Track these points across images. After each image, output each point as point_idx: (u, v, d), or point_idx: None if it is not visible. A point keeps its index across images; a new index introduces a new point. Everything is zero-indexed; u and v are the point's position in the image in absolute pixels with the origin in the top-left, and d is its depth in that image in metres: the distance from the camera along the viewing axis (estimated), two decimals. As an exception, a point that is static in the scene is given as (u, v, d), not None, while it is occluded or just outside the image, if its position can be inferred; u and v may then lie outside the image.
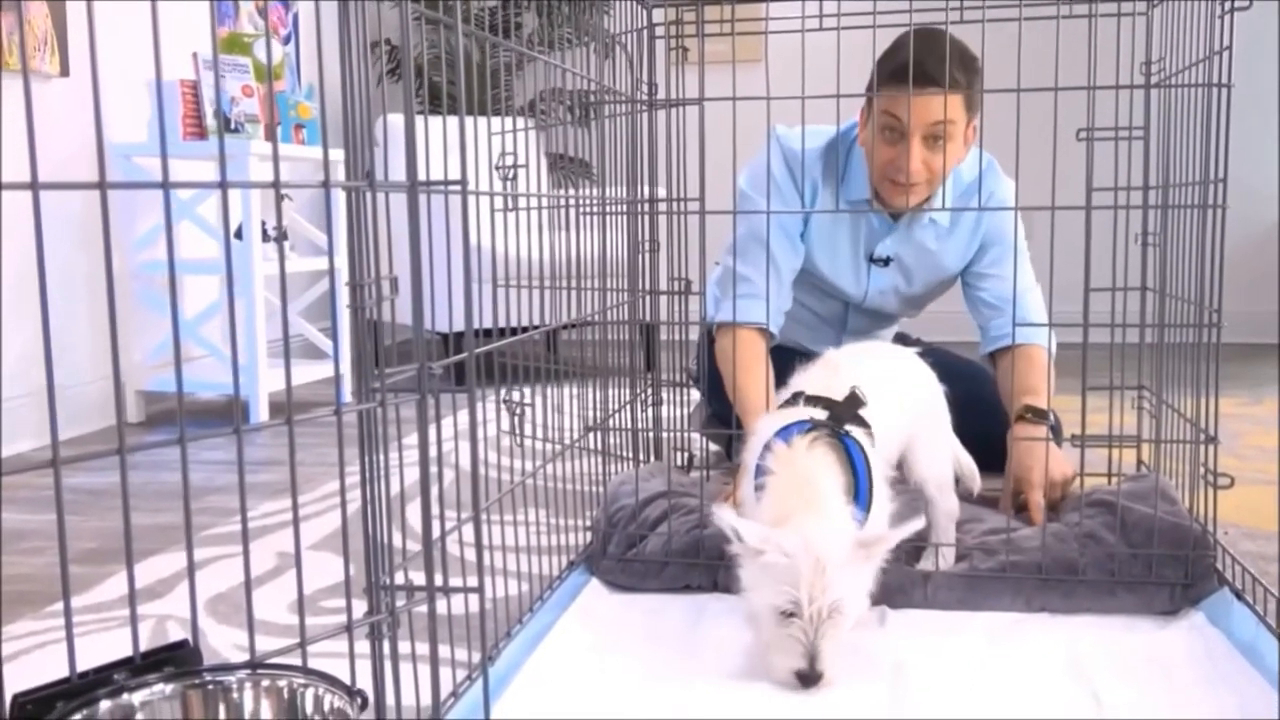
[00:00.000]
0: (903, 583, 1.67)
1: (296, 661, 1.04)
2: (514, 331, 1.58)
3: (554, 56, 1.85)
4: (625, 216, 2.13)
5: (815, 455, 1.48)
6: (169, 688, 1.00)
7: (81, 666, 0.95)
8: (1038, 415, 2.03)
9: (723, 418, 2.17)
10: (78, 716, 0.93)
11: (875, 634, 1.57)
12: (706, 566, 1.74)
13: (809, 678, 1.37)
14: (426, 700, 1.17)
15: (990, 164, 2.26)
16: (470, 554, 1.64)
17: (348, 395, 3.47)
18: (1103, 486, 1.88)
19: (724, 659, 1.50)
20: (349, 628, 1.07)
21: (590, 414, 2.06)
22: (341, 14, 1.04)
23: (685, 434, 2.26)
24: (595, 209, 2.04)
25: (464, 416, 2.91)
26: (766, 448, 1.51)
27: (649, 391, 2.27)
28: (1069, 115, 1.60)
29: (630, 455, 2.19)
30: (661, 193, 2.09)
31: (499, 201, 1.74)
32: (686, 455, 2.24)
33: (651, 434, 2.28)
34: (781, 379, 1.79)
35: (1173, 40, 1.77)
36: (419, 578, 1.11)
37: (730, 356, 2.08)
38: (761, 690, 1.40)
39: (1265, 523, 2.11)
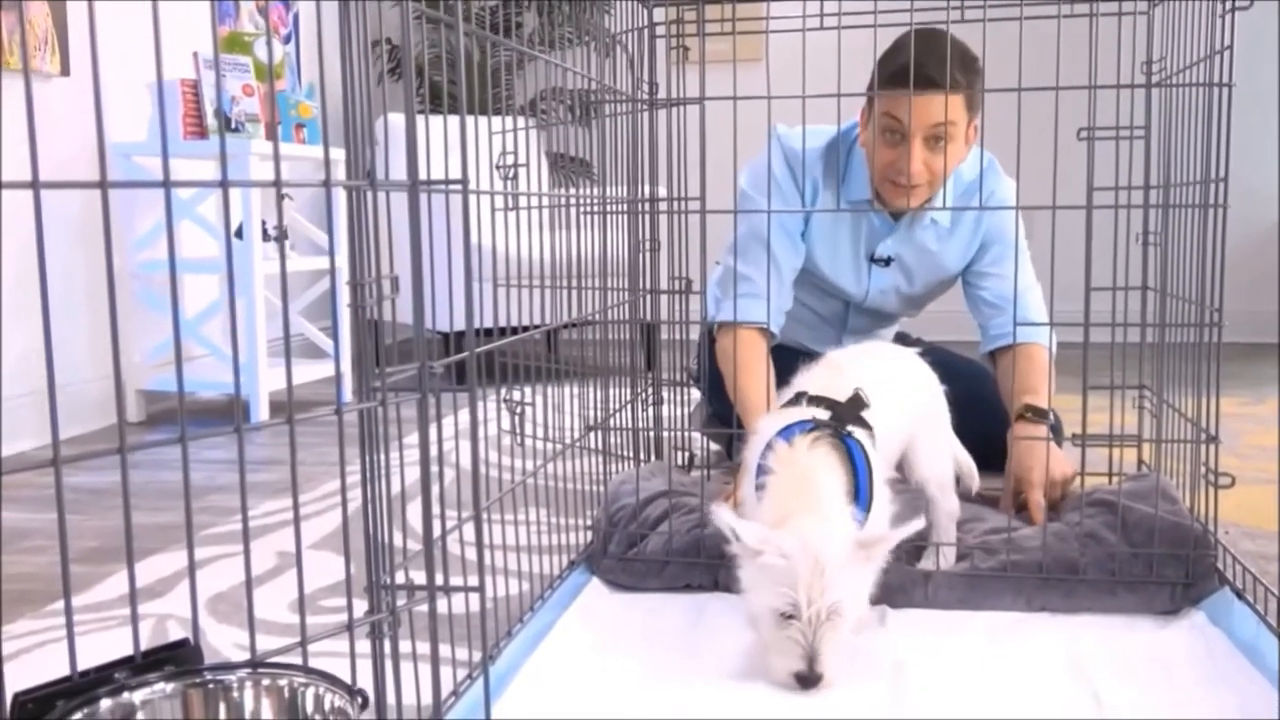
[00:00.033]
0: (903, 582, 1.67)
1: (297, 660, 1.04)
2: (514, 331, 1.58)
3: (554, 56, 1.85)
4: (626, 216, 2.13)
5: (816, 455, 1.48)
6: (170, 686, 1.00)
7: (82, 665, 0.95)
8: (1038, 414, 2.03)
9: (723, 417, 2.17)
10: (78, 715, 0.93)
11: (876, 633, 1.57)
12: (707, 566, 1.74)
13: (808, 679, 1.37)
14: (427, 699, 1.17)
15: (991, 163, 2.26)
16: (471, 553, 1.64)
17: (348, 394, 3.47)
18: (1103, 486, 1.88)
19: (724, 659, 1.50)
20: (349, 627, 1.08)
21: (591, 413, 2.06)
22: (342, 13, 1.04)
23: (686, 433, 2.26)
24: (596, 208, 2.04)
25: (465, 416, 2.91)
26: (768, 447, 1.51)
27: (649, 391, 2.26)
28: (1070, 115, 1.60)
29: (631, 455, 2.19)
30: (662, 192, 2.09)
31: (500, 201, 1.74)
32: (687, 455, 2.24)
33: (652, 433, 2.28)
34: (782, 378, 1.79)
35: (1173, 40, 1.77)
36: (419, 577, 1.11)
37: (731, 356, 2.08)
38: (762, 690, 1.40)
39: (1266, 522, 2.11)
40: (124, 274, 3.36)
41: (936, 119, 1.98)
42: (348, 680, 1.04)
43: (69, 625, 0.92)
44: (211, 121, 3.33)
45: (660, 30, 2.09)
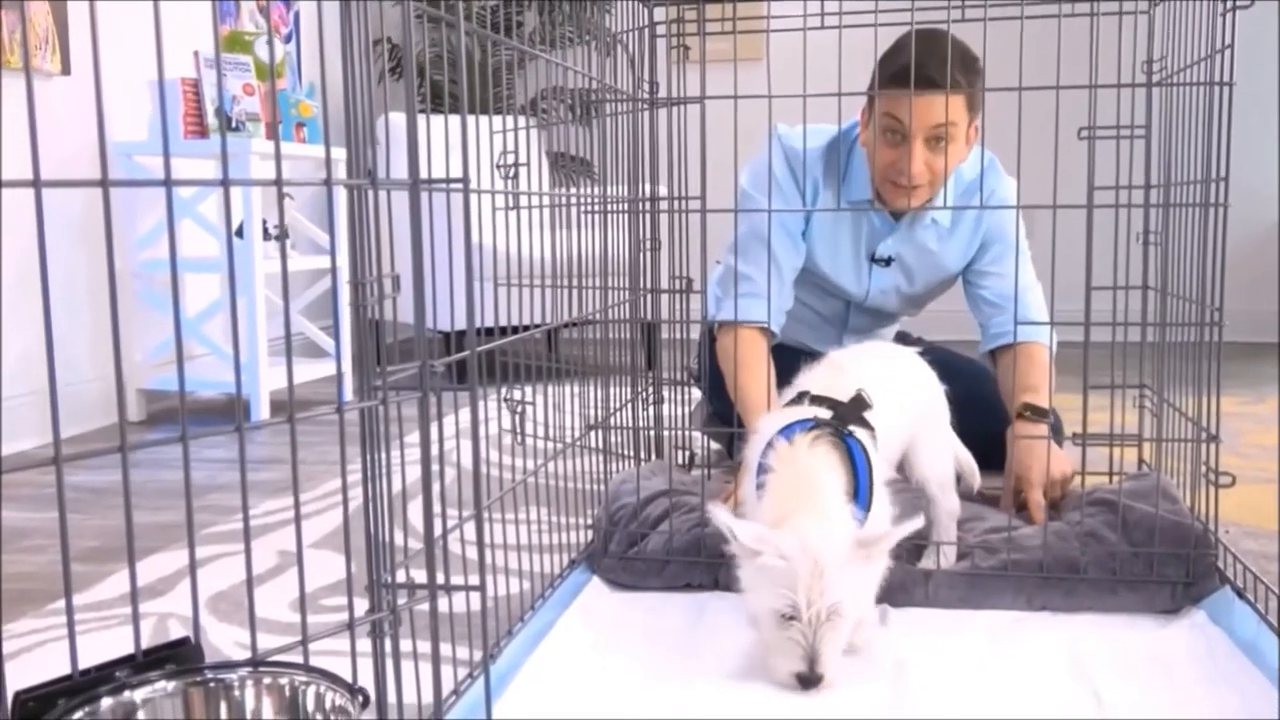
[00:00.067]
0: (904, 581, 1.67)
1: (298, 659, 1.04)
2: (515, 330, 1.58)
3: (555, 55, 1.85)
4: (626, 215, 2.13)
5: (816, 454, 1.48)
6: (171, 685, 1.00)
7: (83, 664, 0.95)
8: (1037, 413, 2.03)
9: (724, 416, 2.17)
10: (79, 714, 0.94)
11: (876, 632, 1.57)
12: (708, 565, 1.74)
13: (809, 680, 1.37)
14: (428, 698, 1.17)
15: (991, 162, 2.26)
16: (471, 552, 1.64)
17: (349, 393, 3.47)
18: (1104, 485, 1.88)
19: (725, 658, 1.50)
20: (350, 626, 1.08)
21: (591, 412, 2.06)
22: (343, 13, 1.04)
23: (686, 432, 2.26)
24: (596, 207, 2.04)
25: (465, 414, 2.92)
26: (769, 446, 1.51)
27: (650, 390, 2.26)
28: (1070, 114, 1.60)
29: (631, 454, 2.19)
30: (663, 191, 2.09)
31: (500, 200, 1.74)
32: (688, 454, 2.24)
33: (653, 432, 2.28)
34: (783, 378, 1.79)
35: (1174, 39, 1.77)
36: (420, 576, 1.11)
37: (732, 355, 2.08)
38: (762, 690, 1.40)
39: (1266, 521, 2.11)
40: (125, 273, 3.36)
41: (937, 119, 1.98)
42: (349, 679, 1.04)
43: (70, 624, 0.92)
44: (212, 120, 3.33)
45: (661, 29, 2.08)
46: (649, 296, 2.19)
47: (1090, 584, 1.66)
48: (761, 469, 1.51)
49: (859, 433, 1.55)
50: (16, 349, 2.95)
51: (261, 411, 3.32)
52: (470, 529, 1.19)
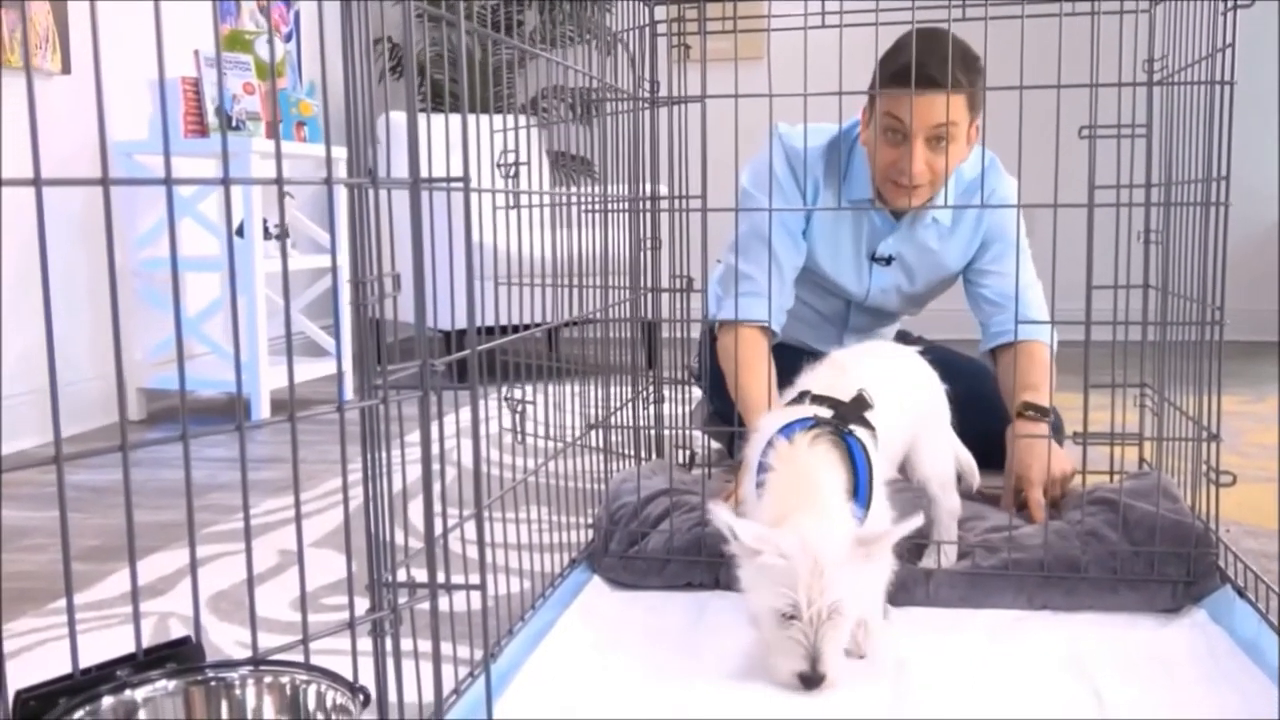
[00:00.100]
0: (905, 580, 1.67)
1: (299, 658, 1.05)
2: (515, 329, 1.58)
3: (556, 54, 1.85)
4: (627, 214, 2.13)
5: (816, 452, 1.48)
6: (172, 684, 1.00)
7: (84, 663, 0.95)
8: (1038, 412, 2.03)
9: (724, 415, 2.17)
10: (80, 713, 0.94)
11: (883, 634, 1.57)
12: (708, 564, 1.74)
13: (811, 680, 1.36)
14: (429, 697, 1.17)
15: (992, 161, 2.26)
16: (472, 551, 1.64)
17: (349, 392, 3.47)
18: (1105, 484, 1.88)
19: (725, 657, 1.50)
20: (351, 625, 1.08)
21: (592, 411, 2.05)
22: (344, 12, 1.04)
23: (687, 431, 2.26)
24: (597, 206, 2.04)
25: (466, 414, 2.91)
26: (769, 445, 1.51)
27: (650, 389, 2.26)
28: (1071, 113, 1.60)
29: (632, 453, 2.19)
30: (663, 190, 2.09)
31: (501, 199, 1.74)
32: (688, 453, 2.24)
33: (653, 431, 2.28)
34: (784, 377, 1.79)
35: (1175, 38, 1.76)
36: (421, 575, 1.11)
37: (732, 354, 2.08)
38: (763, 689, 1.40)
39: (1267, 520, 2.11)
40: (125, 272, 3.36)
41: (938, 119, 1.98)
42: (349, 678, 1.04)
43: (71, 623, 0.92)
44: (212, 120, 3.33)
45: (661, 28, 2.08)
46: (649, 295, 2.19)
47: (1091, 583, 1.66)
48: (762, 468, 1.51)
49: (859, 432, 1.55)
50: (17, 348, 2.95)
51: (262, 410, 3.32)
52: (471, 528, 1.19)
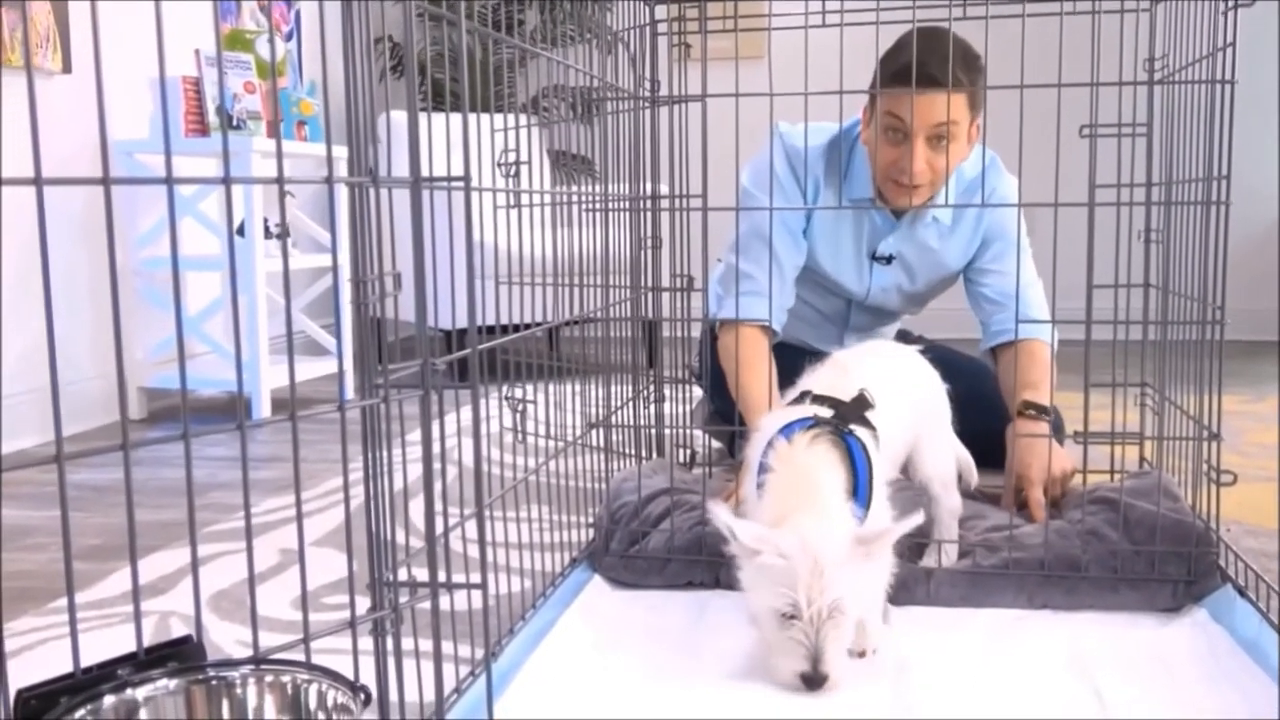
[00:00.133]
0: (906, 579, 1.67)
1: (300, 657, 1.05)
2: (516, 328, 1.58)
3: (556, 53, 1.85)
4: (628, 213, 2.13)
5: (816, 452, 1.48)
6: (173, 683, 1.00)
7: (85, 662, 0.95)
8: (1038, 411, 2.03)
9: (725, 414, 2.18)
10: (82, 712, 0.94)
11: (884, 634, 1.57)
12: (709, 563, 1.74)
13: (813, 680, 1.36)
14: (430, 696, 1.17)
15: (993, 160, 2.26)
16: (473, 550, 1.64)
17: (350, 391, 3.47)
18: (1105, 483, 1.88)
19: (726, 657, 1.50)
20: (352, 624, 1.08)
21: (592, 411, 2.06)
22: (345, 11, 1.04)
23: (688, 431, 2.26)
24: (598, 206, 2.04)
25: (467, 413, 2.91)
26: (770, 445, 1.51)
27: (651, 388, 2.27)
28: (1072, 112, 1.60)
29: (633, 452, 2.19)
30: (664, 189, 2.09)
31: (502, 198, 1.74)
32: (689, 452, 2.24)
33: (654, 431, 2.28)
34: (784, 376, 1.79)
35: (1175, 37, 1.76)
36: (422, 574, 1.11)
37: (733, 353, 2.08)
38: (764, 688, 1.40)
39: (1268, 520, 2.11)
40: (125, 271, 3.36)
41: (939, 118, 1.98)
42: (350, 677, 1.04)
43: (72, 622, 0.92)
44: (213, 119, 3.33)
45: (662, 27, 2.08)
46: (650, 295, 2.19)
47: (1091, 582, 1.66)
48: (762, 468, 1.51)
49: (860, 432, 1.55)
50: (17, 348, 2.95)
51: (262, 410, 3.32)
52: (471, 527, 1.19)
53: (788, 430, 1.52)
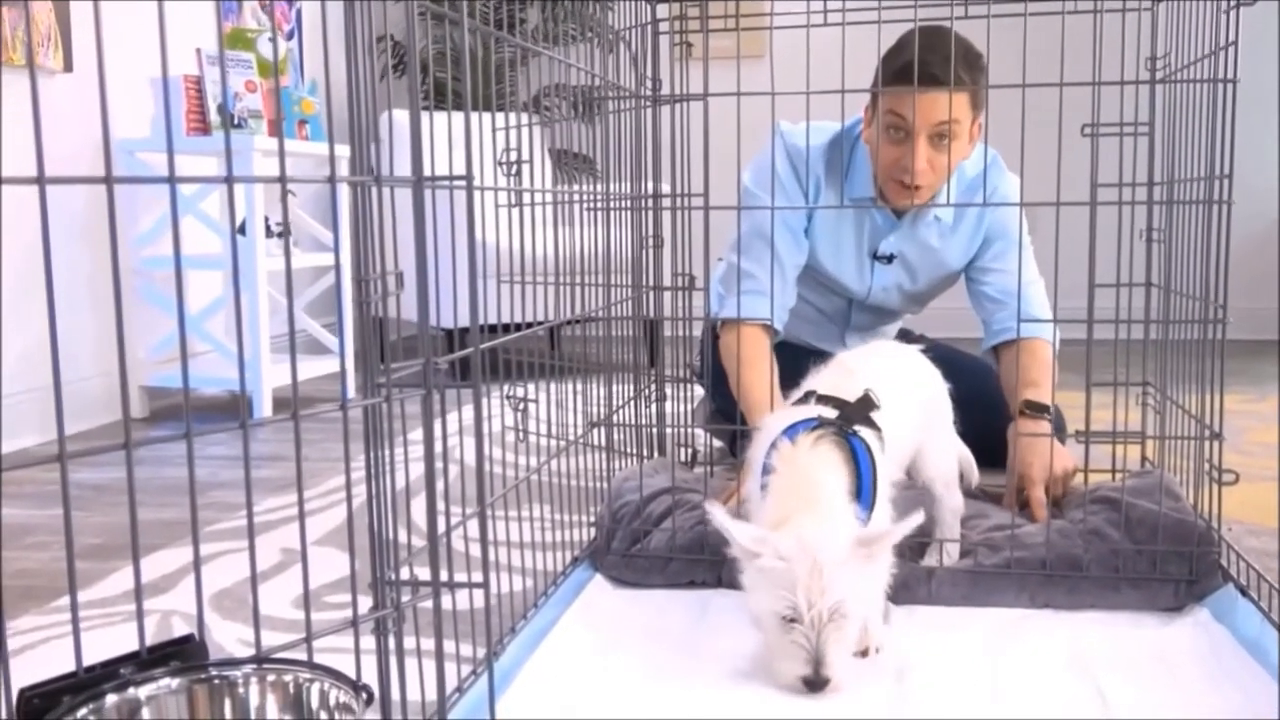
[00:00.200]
0: (907, 579, 1.67)
1: (302, 656, 1.05)
2: (518, 327, 1.58)
3: (558, 52, 1.85)
4: (629, 212, 2.13)
5: (819, 453, 1.48)
6: (175, 682, 1.00)
7: (87, 661, 0.95)
8: (1039, 410, 2.02)
9: (726, 413, 2.18)
10: (84, 711, 0.94)
11: (886, 634, 1.56)
12: (710, 562, 1.74)
13: (815, 683, 1.36)
14: (432, 696, 1.17)
15: (994, 159, 2.26)
16: (475, 549, 1.64)
17: (352, 390, 3.47)
18: (1107, 483, 1.88)
19: (728, 657, 1.49)
20: (354, 623, 1.08)
21: (594, 410, 2.06)
22: (347, 10, 1.04)
23: (689, 430, 2.26)
24: (599, 204, 2.04)
25: (468, 412, 2.91)
26: (773, 445, 1.51)
27: (653, 387, 2.27)
28: (1074, 111, 1.60)
29: (634, 451, 2.19)
30: (665, 188, 2.09)
31: (503, 197, 1.74)
32: (690, 451, 2.24)
33: (655, 430, 2.28)
34: (785, 375, 1.79)
35: (1177, 36, 1.76)
36: (424, 573, 1.11)
37: (734, 353, 2.08)
38: (765, 688, 1.40)
39: (1270, 519, 2.11)
40: (127, 270, 3.36)
41: (941, 117, 1.98)
42: (353, 676, 1.04)
43: (74, 621, 0.92)
44: (214, 118, 3.33)
45: (663, 26, 2.08)
46: (651, 294, 2.19)
47: (1093, 582, 1.66)
48: (766, 469, 1.50)
49: (865, 433, 1.55)
50: (18, 347, 2.95)
51: (264, 409, 3.32)
52: (473, 526, 1.19)
53: (792, 431, 1.51)
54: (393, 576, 1.11)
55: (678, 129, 1.96)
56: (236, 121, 3.37)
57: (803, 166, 2.22)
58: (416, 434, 1.39)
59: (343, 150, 3.55)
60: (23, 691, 0.91)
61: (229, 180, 0.93)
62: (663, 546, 1.77)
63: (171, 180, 0.91)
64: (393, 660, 1.10)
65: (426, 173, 1.07)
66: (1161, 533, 1.65)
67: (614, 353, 2.09)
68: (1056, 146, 1.58)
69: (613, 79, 2.03)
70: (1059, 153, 1.60)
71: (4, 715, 0.89)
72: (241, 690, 1.02)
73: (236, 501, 2.40)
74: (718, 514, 1.40)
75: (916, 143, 2.01)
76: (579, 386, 2.07)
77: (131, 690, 0.97)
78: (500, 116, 3.83)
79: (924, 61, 1.82)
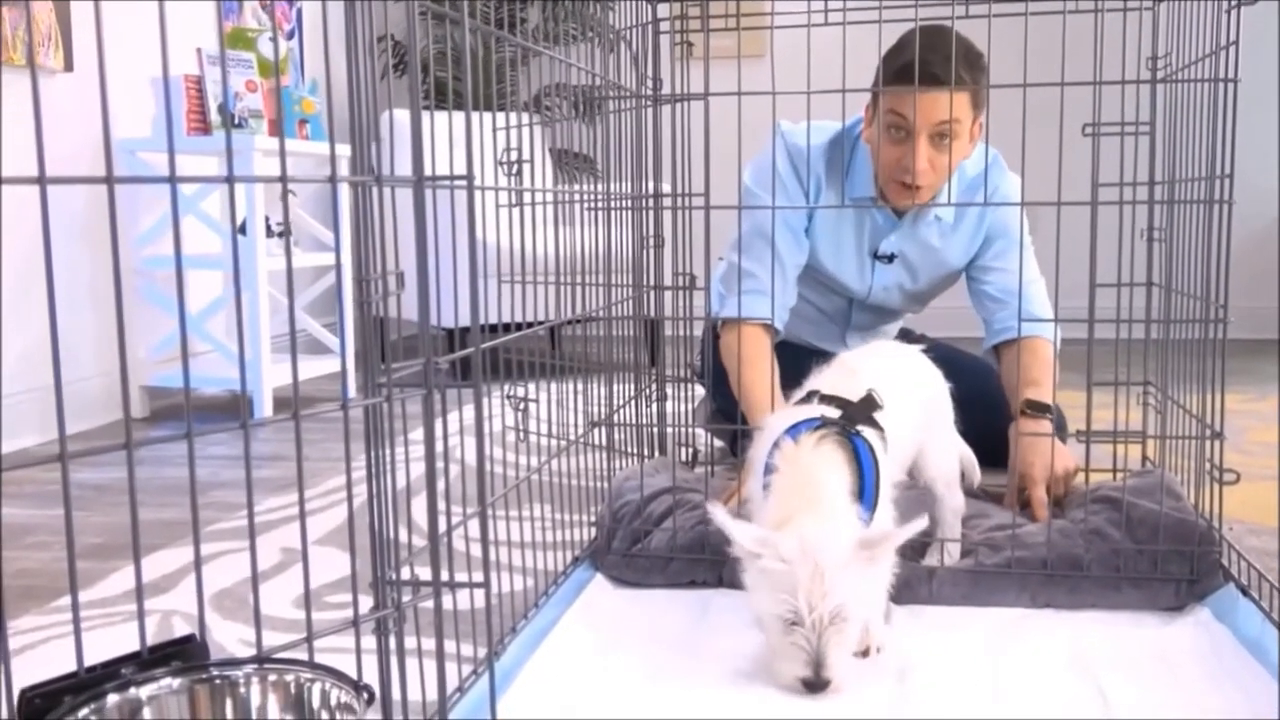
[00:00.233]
0: (908, 578, 1.67)
1: (303, 656, 1.05)
2: (519, 327, 1.58)
3: (558, 51, 1.85)
4: (630, 212, 2.13)
5: (821, 453, 1.47)
6: (176, 682, 1.00)
7: (88, 661, 0.95)
8: (1040, 409, 2.02)
9: (727, 413, 2.18)
10: (85, 710, 0.94)
11: (887, 634, 1.56)
12: (711, 562, 1.74)
13: (815, 685, 1.35)
14: (433, 695, 1.17)
15: (995, 158, 2.26)
16: (475, 549, 1.64)
17: (352, 390, 3.47)
18: (1108, 482, 1.88)
19: (728, 657, 1.49)
20: (355, 623, 1.08)
21: (595, 409, 2.06)
22: (348, 11, 1.04)
23: (690, 429, 2.26)
24: (600, 204, 2.04)
25: (469, 411, 2.92)
26: (776, 445, 1.51)
27: (653, 387, 2.27)
28: (1074, 110, 1.60)
29: (635, 451, 2.19)
30: (666, 188, 2.09)
31: (504, 197, 1.74)
32: (691, 451, 2.24)
33: (656, 429, 2.28)
34: (786, 375, 1.79)
35: (1178, 35, 1.76)
36: (425, 573, 1.11)
37: (735, 352, 2.08)
38: (765, 687, 1.40)
39: (1271, 518, 2.11)
40: (127, 270, 3.36)
41: (942, 117, 1.97)
42: (354, 676, 1.04)
43: (75, 621, 0.92)
44: (215, 117, 3.33)
45: (664, 25, 2.08)
46: (652, 293, 2.19)
47: (1094, 581, 1.66)
48: (768, 468, 1.50)
49: (867, 432, 1.55)
50: (18, 347, 2.95)
51: (265, 408, 3.32)
52: (474, 526, 1.19)
53: (794, 430, 1.51)
54: (393, 576, 1.11)
55: (678, 128, 1.96)
56: (237, 121, 3.37)
57: (803, 166, 2.22)
58: (417, 433, 1.39)
59: (343, 150, 3.55)
60: (24, 691, 0.91)
61: (230, 180, 0.93)
62: (663, 546, 1.77)
63: (172, 180, 0.91)
64: (394, 660, 1.10)
65: (427, 172, 1.07)
66: (1162, 532, 1.65)
67: (614, 352, 2.09)
68: (1057, 146, 1.58)
69: (613, 78, 2.03)
70: (1060, 152, 1.60)
71: (5, 715, 0.88)
72: (243, 690, 1.02)
73: (237, 501, 2.40)
74: (720, 514, 1.40)
75: (917, 142, 2.01)
76: (580, 386, 2.07)
77: (133, 690, 0.97)
78: (501, 116, 3.83)
79: (925, 61, 1.82)
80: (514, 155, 1.77)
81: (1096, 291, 1.67)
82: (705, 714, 1.35)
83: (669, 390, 2.30)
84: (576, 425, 1.97)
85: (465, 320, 3.76)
